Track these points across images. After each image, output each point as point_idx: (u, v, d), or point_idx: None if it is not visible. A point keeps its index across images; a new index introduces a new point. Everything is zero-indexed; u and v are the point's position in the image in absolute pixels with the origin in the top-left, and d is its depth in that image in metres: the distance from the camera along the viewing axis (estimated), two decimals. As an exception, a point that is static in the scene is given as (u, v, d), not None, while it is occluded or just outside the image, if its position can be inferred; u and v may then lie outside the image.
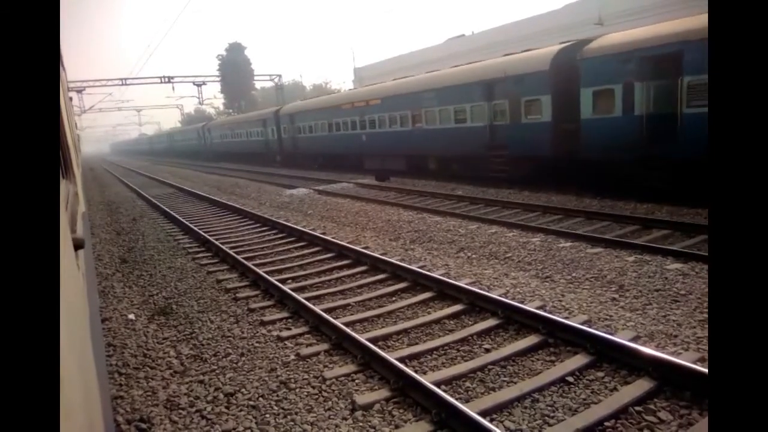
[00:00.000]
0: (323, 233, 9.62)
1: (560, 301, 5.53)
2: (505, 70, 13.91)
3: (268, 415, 3.76)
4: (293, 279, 7.15)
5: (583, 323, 4.74)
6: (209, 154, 44.28)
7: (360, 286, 6.62)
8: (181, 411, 3.92)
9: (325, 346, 4.83)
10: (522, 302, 5.37)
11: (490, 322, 5.04)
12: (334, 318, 5.25)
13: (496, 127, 14.46)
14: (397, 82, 20.03)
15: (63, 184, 2.28)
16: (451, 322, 5.26)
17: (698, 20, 9.39)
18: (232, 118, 42.76)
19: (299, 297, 5.90)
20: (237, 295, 6.59)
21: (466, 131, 15.46)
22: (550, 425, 3.37)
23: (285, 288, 6.27)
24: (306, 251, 8.60)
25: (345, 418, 3.65)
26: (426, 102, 17.10)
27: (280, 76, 48.28)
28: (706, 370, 3.47)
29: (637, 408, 3.45)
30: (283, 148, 29.82)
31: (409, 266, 6.78)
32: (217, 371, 4.54)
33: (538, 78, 12.74)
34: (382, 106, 19.72)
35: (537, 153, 13.11)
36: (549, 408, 3.57)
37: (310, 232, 9.54)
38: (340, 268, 7.51)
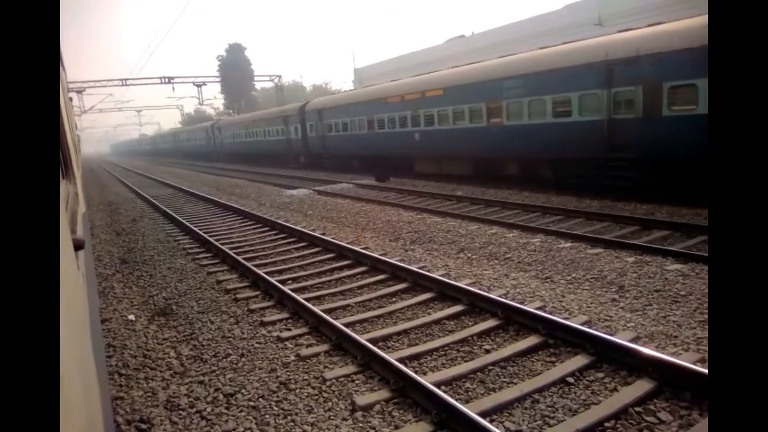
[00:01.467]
0: (323, 234, 9.62)
1: (560, 301, 5.53)
2: (637, 47, 10.58)
3: (268, 416, 3.76)
4: (293, 279, 7.15)
5: (583, 324, 4.74)
6: (219, 155, 41.69)
7: (360, 287, 6.62)
8: (181, 412, 3.92)
9: (325, 347, 4.83)
10: (522, 303, 5.37)
11: (490, 323, 5.04)
12: (334, 319, 5.25)
13: (618, 122, 11.06)
14: (468, 68, 15.94)
15: (63, 185, 2.28)
16: (451, 322, 5.26)
17: None
18: (246, 116, 38.44)
19: (299, 297, 5.90)
20: (237, 295, 6.59)
21: (569, 127, 12.08)
22: (550, 426, 3.37)
23: (285, 289, 6.27)
24: (306, 252, 8.60)
25: (345, 419, 3.65)
26: (509, 92, 13.66)
27: (280, 76, 48.38)
28: (706, 371, 3.47)
29: (637, 408, 3.45)
30: (309, 149, 26.31)
31: (409, 267, 6.77)
32: (217, 372, 4.54)
33: (696, 55, 9.11)
34: (444, 98, 16.18)
35: (685, 155, 9.64)
36: (549, 408, 3.57)
37: (310, 232, 9.54)
38: (340, 268, 7.51)
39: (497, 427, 3.26)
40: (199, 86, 44.49)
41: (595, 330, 4.52)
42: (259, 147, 33.42)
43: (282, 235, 10.00)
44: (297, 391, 4.09)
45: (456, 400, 3.55)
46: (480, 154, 15.43)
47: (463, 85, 15.48)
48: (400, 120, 18.57)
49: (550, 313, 4.99)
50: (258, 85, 65.14)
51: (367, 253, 7.75)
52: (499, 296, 5.53)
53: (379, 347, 4.56)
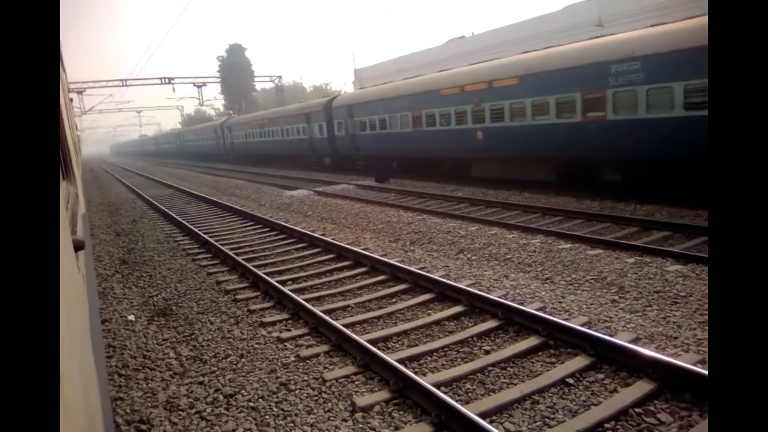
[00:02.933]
0: (323, 234, 9.62)
1: (560, 302, 5.52)
2: None
3: (267, 417, 3.75)
4: (293, 280, 7.15)
5: (583, 325, 4.73)
6: (229, 156, 39.10)
7: (360, 288, 6.61)
8: (180, 412, 3.91)
9: (325, 348, 4.83)
10: (522, 304, 5.37)
11: (490, 324, 5.04)
12: (333, 319, 5.25)
13: None
14: (556, 51, 12.72)
15: (63, 185, 2.29)
16: (451, 323, 5.26)
17: None
18: (261, 113, 35.03)
19: (299, 298, 5.90)
20: (237, 296, 6.59)
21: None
22: (550, 427, 3.37)
23: (285, 289, 6.27)
24: (306, 252, 8.60)
25: (345, 420, 3.65)
26: (618, 78, 10.73)
27: (280, 77, 48.33)
28: (706, 372, 3.47)
29: (637, 410, 3.45)
30: (336, 149, 23.48)
31: (409, 268, 6.77)
32: (217, 372, 4.54)
33: None
34: (520, 89, 13.24)
35: None
36: (549, 409, 3.57)
37: (310, 233, 9.54)
38: (340, 269, 7.51)
39: (497, 428, 3.26)
40: (199, 87, 44.45)
41: (595, 331, 4.52)
42: (275, 147, 30.35)
43: (282, 236, 10.00)
44: (297, 391, 4.09)
45: (456, 401, 3.55)
46: (569, 155, 12.27)
47: (549, 72, 12.38)
48: (457, 115, 15.55)
49: (550, 314, 4.99)
50: (258, 86, 65.19)
51: (367, 253, 7.75)
52: (499, 297, 5.52)
53: (378, 348, 4.56)
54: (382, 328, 5.26)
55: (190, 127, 58.40)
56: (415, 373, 4.11)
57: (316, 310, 5.47)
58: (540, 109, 12.73)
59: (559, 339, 4.52)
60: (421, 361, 4.47)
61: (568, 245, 7.72)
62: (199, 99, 47.30)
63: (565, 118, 12.09)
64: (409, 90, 18.22)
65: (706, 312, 4.90)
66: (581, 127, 11.69)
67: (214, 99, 64.71)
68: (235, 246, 9.39)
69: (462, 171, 16.40)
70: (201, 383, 4.35)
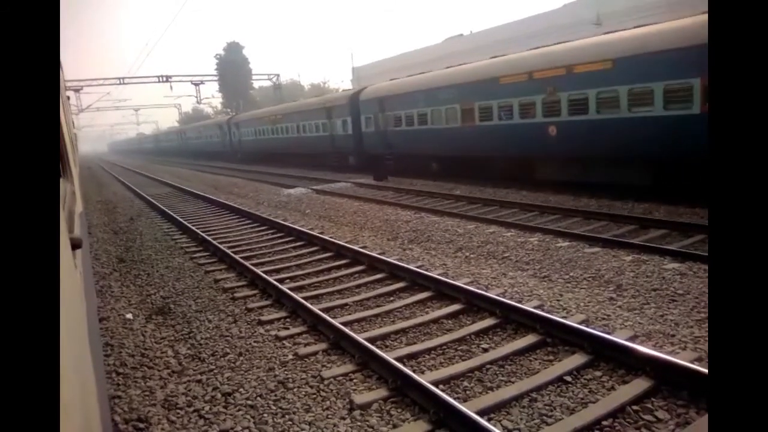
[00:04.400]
0: (321, 233, 9.62)
1: (558, 300, 5.53)
2: None
3: (266, 415, 3.75)
4: (291, 278, 7.15)
5: (580, 323, 4.74)
6: (236, 154, 36.78)
7: (358, 286, 6.62)
8: (179, 411, 3.91)
9: (323, 346, 4.83)
10: (520, 302, 5.37)
11: (488, 322, 5.05)
12: (332, 317, 5.25)
13: None
14: (665, 28, 10.34)
15: (60, 184, 2.28)
16: (449, 321, 5.26)
17: None
18: (274, 108, 32.37)
19: (297, 296, 5.90)
20: (235, 294, 6.59)
21: None
22: (548, 424, 3.37)
23: (283, 287, 6.27)
24: (304, 251, 8.59)
25: (343, 418, 3.65)
26: None
27: (278, 75, 48.24)
28: (703, 370, 3.48)
29: (635, 407, 3.45)
30: (363, 147, 21.10)
31: (407, 266, 6.78)
32: (215, 371, 4.53)
33: None
34: (613, 75, 10.91)
35: None
36: (547, 407, 3.57)
37: (308, 231, 9.54)
38: (338, 267, 7.50)
39: (495, 426, 3.27)
40: (197, 85, 44.32)
41: (593, 329, 4.53)
42: (290, 145, 27.92)
43: (280, 234, 10.00)
44: (295, 390, 4.09)
45: (454, 398, 3.55)
46: (677, 155, 10.03)
47: (656, 53, 10.07)
48: (522, 108, 13.22)
49: (548, 312, 4.99)
50: (256, 84, 65.08)
51: (365, 252, 7.75)
52: (497, 295, 5.53)
53: (377, 346, 4.56)
54: (381, 326, 5.26)
55: (193, 124, 55.81)
56: (413, 371, 4.11)
57: (314, 308, 5.46)
58: (640, 99, 10.50)
59: (557, 337, 4.52)
60: (419, 359, 4.47)
61: (566, 243, 7.73)
62: (196, 97, 47.18)
63: (675, 109, 9.93)
64: (459, 79, 15.58)
65: (704, 310, 4.92)
66: (699, 120, 9.36)
67: (211, 97, 64.49)
68: (233, 244, 9.38)
69: (521, 173, 13.98)
70: (199, 381, 4.35)
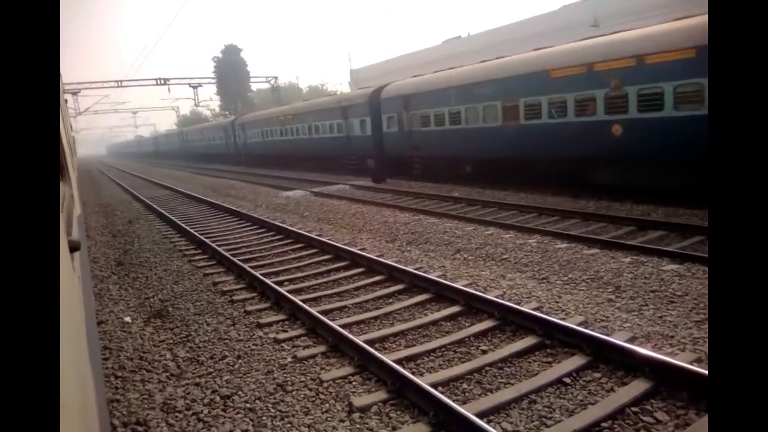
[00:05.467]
0: (319, 235, 9.61)
1: (557, 302, 5.53)
2: None
3: (265, 418, 3.74)
4: (290, 281, 7.14)
5: (579, 324, 4.74)
6: (241, 157, 35.43)
7: (357, 288, 6.61)
8: (177, 414, 3.90)
9: (322, 349, 4.82)
10: (518, 304, 5.37)
11: (487, 324, 5.05)
12: (330, 320, 5.24)
13: None
14: None
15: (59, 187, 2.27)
16: (448, 323, 5.26)
17: None
18: (283, 109, 30.56)
19: (296, 299, 5.89)
20: (233, 297, 6.57)
21: None
22: (547, 426, 3.37)
23: (281, 290, 6.26)
24: (302, 253, 8.59)
25: (342, 421, 3.64)
26: None
27: (276, 78, 48.25)
28: (703, 371, 3.49)
29: (634, 409, 3.45)
30: (384, 149, 19.54)
31: (405, 268, 6.77)
32: (214, 374, 4.52)
33: None
34: (693, 65, 9.40)
35: None
36: (546, 409, 3.57)
37: (307, 233, 9.53)
38: (337, 270, 7.50)
39: (494, 428, 3.26)
40: (194, 88, 44.31)
41: (592, 330, 4.53)
42: (300, 148, 26.34)
43: (278, 237, 9.99)
44: (294, 392, 4.08)
45: (453, 401, 3.55)
46: None
47: None
48: (578, 104, 11.85)
49: (547, 314, 4.99)
50: (254, 87, 65.07)
51: (364, 254, 7.74)
52: (496, 297, 5.53)
53: (376, 348, 4.55)
54: (379, 329, 5.26)
55: (195, 126, 53.95)
56: (413, 373, 4.11)
57: (313, 311, 5.46)
58: None
59: (556, 339, 4.52)
60: (419, 362, 4.46)
61: (565, 245, 7.73)
62: (194, 100, 47.15)
63: None
64: (500, 73, 14.03)
65: (703, 311, 4.93)
66: None
67: (209, 100, 64.42)
68: (231, 247, 9.37)
69: (571, 177, 12.41)
70: (198, 385, 4.34)
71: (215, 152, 41.63)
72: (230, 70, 61.55)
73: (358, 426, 3.56)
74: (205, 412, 3.89)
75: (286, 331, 5.34)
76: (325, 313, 5.60)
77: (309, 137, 25.22)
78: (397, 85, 19.13)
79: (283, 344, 5.04)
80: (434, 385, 3.84)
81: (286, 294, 6.08)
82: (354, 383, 4.16)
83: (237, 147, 36.64)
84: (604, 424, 3.32)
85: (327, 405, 3.86)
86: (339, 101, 22.79)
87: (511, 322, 4.99)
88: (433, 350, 4.64)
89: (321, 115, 23.95)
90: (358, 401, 3.82)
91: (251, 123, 33.79)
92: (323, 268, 7.60)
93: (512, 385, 3.93)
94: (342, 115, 21.89)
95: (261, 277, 6.86)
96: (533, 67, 13.03)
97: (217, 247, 8.92)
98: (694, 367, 3.60)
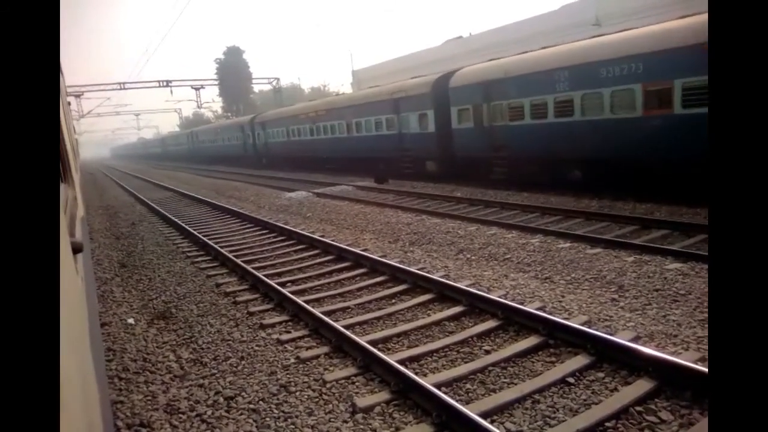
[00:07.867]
0: (322, 236, 9.61)
1: (560, 301, 5.52)
2: None
3: (268, 419, 3.75)
4: (293, 282, 7.14)
5: (583, 324, 4.73)
6: (261, 159, 32.03)
7: (359, 289, 6.61)
8: (181, 415, 3.91)
9: (325, 349, 4.82)
10: (522, 303, 5.37)
11: (490, 324, 5.04)
12: (333, 321, 5.24)
13: None
14: None
15: (62, 189, 2.28)
16: (451, 323, 5.26)
17: None
18: (314, 104, 26.69)
19: (299, 300, 5.89)
20: (236, 298, 6.58)
21: None
22: (551, 426, 3.37)
23: (284, 291, 6.26)
24: (305, 254, 8.59)
25: (345, 421, 3.64)
26: None
27: (278, 79, 48.36)
28: (706, 370, 3.47)
29: (638, 408, 3.44)
30: (452, 148, 16.13)
31: (408, 268, 6.77)
32: (217, 375, 4.53)
33: None
34: None
35: None
36: (550, 409, 3.57)
37: (310, 234, 9.54)
38: (340, 270, 7.50)
39: (498, 428, 3.26)
40: (197, 89, 44.49)
41: (595, 330, 4.52)
42: (336, 148, 22.83)
43: (281, 238, 10.00)
44: (297, 393, 4.09)
45: (456, 401, 3.55)
46: None
47: None
48: None
49: (550, 314, 4.99)
50: (256, 88, 65.24)
51: (367, 254, 7.74)
52: (499, 297, 5.52)
53: (379, 349, 4.56)
54: (382, 329, 5.26)
55: (207, 126, 50.82)
56: (416, 373, 4.11)
57: (316, 312, 5.46)
58: None
59: (559, 338, 4.52)
60: (422, 362, 4.46)
61: (568, 244, 7.72)
62: (197, 101, 47.30)
63: None
64: (640, 47, 10.48)
65: (706, 310, 4.91)
66: None
67: (212, 101, 64.59)
68: (234, 248, 9.38)
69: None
70: (201, 386, 4.35)
71: (231, 154, 37.62)
72: (232, 72, 61.70)
73: (361, 427, 3.56)
74: (209, 413, 3.90)
75: (290, 332, 5.35)
76: (328, 313, 5.60)
77: (348, 136, 21.71)
78: (473, 70, 15.50)
79: (286, 345, 5.04)
80: (437, 386, 3.84)
81: (289, 295, 6.09)
82: (357, 384, 4.16)
83: (256, 147, 33.06)
84: (608, 424, 3.31)
85: (330, 406, 3.87)
86: (390, 93, 18.85)
87: (515, 321, 4.98)
88: (437, 350, 4.63)
89: (364, 110, 20.34)
90: (362, 402, 3.82)
91: (274, 121, 29.89)
92: (326, 269, 7.61)
93: (516, 385, 3.92)
94: (393, 109, 18.46)
95: (264, 278, 6.86)
96: (693, 38, 9.07)
97: (220, 249, 8.94)
98: (698, 366, 3.59)
